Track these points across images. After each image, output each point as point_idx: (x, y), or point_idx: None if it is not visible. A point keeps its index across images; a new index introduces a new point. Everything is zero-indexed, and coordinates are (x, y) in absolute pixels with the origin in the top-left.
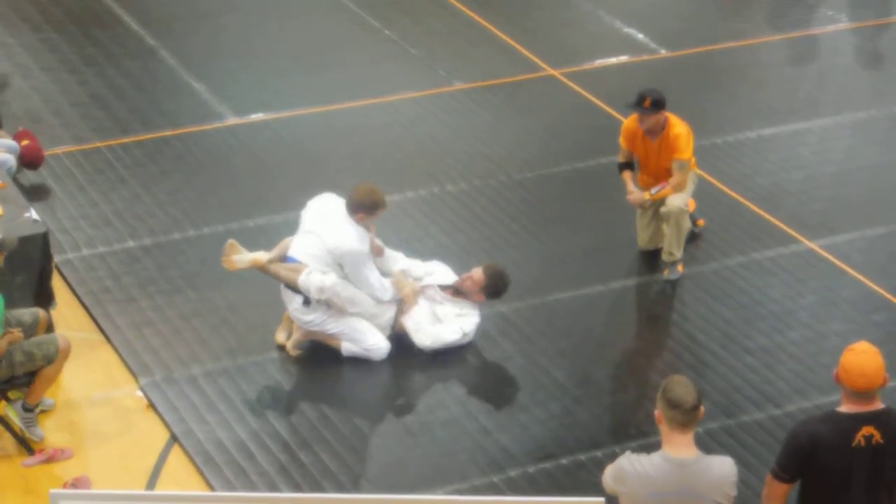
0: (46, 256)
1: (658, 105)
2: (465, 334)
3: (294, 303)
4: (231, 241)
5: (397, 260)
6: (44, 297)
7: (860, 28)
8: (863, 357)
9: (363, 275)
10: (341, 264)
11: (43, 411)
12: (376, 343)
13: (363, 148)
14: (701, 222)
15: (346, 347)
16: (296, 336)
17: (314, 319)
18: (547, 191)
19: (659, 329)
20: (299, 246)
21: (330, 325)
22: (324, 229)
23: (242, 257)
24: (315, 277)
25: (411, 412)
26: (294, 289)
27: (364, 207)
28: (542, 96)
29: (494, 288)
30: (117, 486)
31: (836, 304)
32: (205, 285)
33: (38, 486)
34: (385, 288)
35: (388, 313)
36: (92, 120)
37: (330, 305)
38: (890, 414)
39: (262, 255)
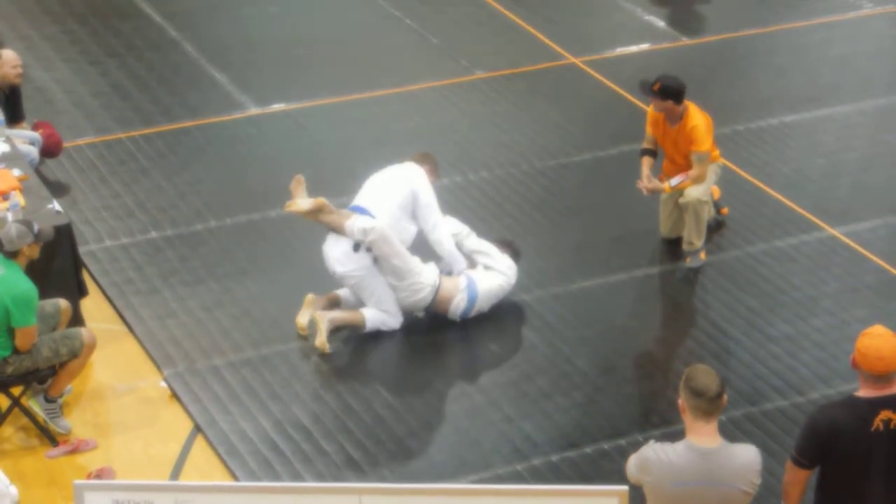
0: (73, 247)
1: (666, 92)
2: (507, 270)
3: (342, 249)
4: (299, 176)
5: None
6: (75, 288)
7: (882, 14)
8: (879, 340)
9: (434, 207)
10: (416, 195)
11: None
12: (394, 314)
13: (384, 138)
14: (725, 210)
15: (371, 317)
16: (322, 333)
17: (355, 271)
18: (569, 179)
19: (682, 317)
20: (366, 196)
21: (367, 282)
22: (397, 170)
23: (305, 200)
24: (362, 219)
25: (434, 401)
26: (341, 232)
27: (430, 163)
28: (563, 85)
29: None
30: (141, 477)
31: (859, 290)
32: (227, 276)
33: (62, 477)
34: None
35: (423, 293)
36: (114, 111)
37: (375, 252)
38: None
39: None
